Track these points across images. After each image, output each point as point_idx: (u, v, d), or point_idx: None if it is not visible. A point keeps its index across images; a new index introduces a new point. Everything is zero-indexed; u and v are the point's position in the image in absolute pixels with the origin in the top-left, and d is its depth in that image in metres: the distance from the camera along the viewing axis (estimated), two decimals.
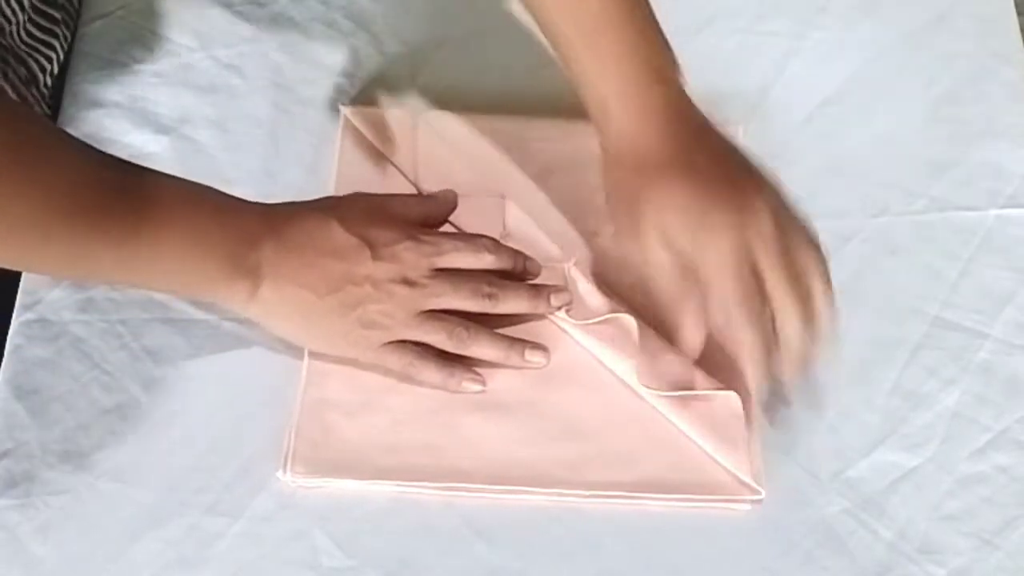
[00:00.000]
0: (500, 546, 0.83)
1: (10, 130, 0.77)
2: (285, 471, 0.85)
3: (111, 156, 0.83)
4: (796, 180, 0.96)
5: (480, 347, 0.87)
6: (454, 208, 0.92)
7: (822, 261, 0.84)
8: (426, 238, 0.87)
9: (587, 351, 0.89)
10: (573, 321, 0.88)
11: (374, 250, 0.85)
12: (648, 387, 0.86)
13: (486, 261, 0.88)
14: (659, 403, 0.86)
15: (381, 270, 0.85)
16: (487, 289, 0.86)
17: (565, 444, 0.86)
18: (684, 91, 0.87)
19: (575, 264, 0.91)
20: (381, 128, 0.97)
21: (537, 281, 0.90)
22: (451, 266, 0.87)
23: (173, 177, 0.84)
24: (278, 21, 1.04)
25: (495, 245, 0.89)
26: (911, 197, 0.95)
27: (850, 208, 0.95)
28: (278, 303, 0.85)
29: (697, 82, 1.00)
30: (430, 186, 0.94)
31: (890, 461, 0.86)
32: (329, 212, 0.86)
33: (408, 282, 0.85)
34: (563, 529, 0.84)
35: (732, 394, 0.85)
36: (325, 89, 1.00)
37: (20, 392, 0.88)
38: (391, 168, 0.97)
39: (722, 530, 0.84)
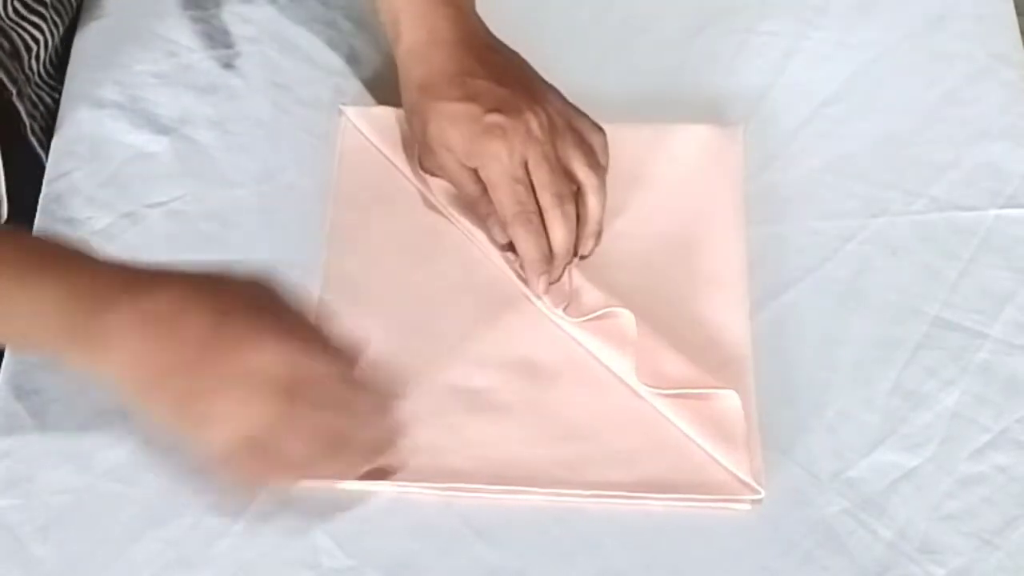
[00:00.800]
0: (500, 546, 0.83)
1: None
2: None
3: None
4: (796, 180, 0.96)
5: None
6: (354, 361, 0.82)
7: (592, 158, 0.90)
8: (293, 344, 0.78)
9: (586, 350, 0.89)
10: (571, 319, 0.89)
11: (225, 344, 0.77)
12: (647, 385, 0.86)
13: (347, 393, 0.80)
14: (658, 402, 0.86)
15: (226, 369, 0.77)
16: (324, 438, 0.79)
17: (565, 444, 0.86)
18: (473, 12, 0.93)
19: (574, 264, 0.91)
20: (381, 128, 0.97)
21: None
22: (311, 388, 0.78)
23: (27, 235, 0.81)
24: (278, 21, 1.04)
25: (354, 392, 0.80)
26: (911, 197, 0.95)
27: (850, 208, 0.95)
28: (120, 379, 0.78)
29: (697, 82, 1.01)
30: (431, 185, 0.94)
31: (890, 461, 0.86)
32: (199, 284, 0.79)
33: (252, 390, 0.77)
34: (563, 529, 0.84)
35: (732, 393, 0.85)
36: (325, 89, 1.00)
37: (20, 392, 0.88)
38: (391, 168, 0.97)
39: (722, 530, 0.84)
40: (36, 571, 0.83)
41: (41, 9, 0.99)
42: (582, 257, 0.91)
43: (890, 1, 1.05)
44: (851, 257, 0.93)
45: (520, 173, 0.88)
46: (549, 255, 0.89)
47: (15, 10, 0.97)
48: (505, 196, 0.88)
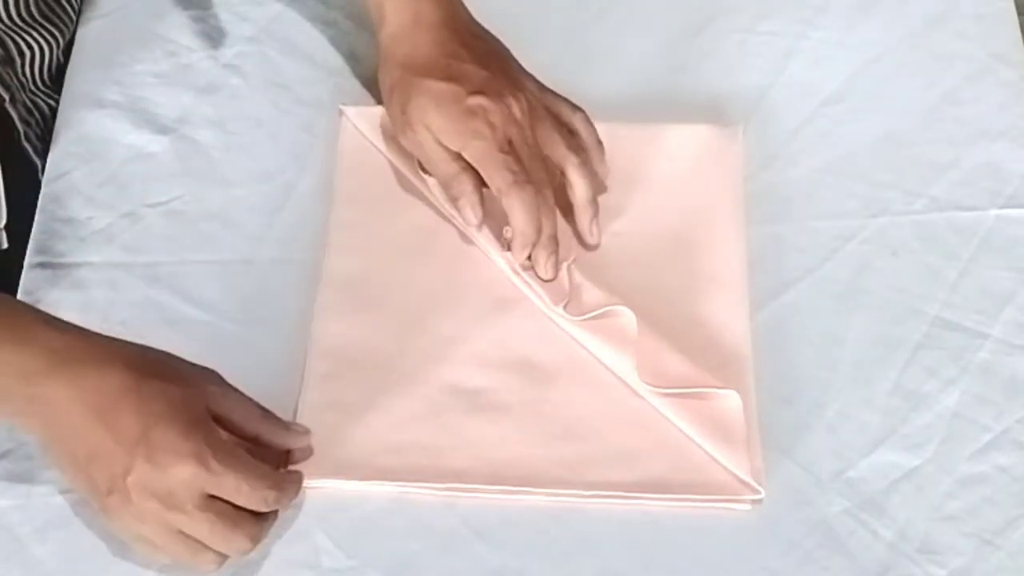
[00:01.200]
0: (500, 546, 0.83)
1: None
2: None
3: None
4: (796, 180, 0.96)
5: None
6: (282, 463, 0.84)
7: (572, 140, 0.91)
8: (215, 465, 0.77)
9: (586, 349, 0.89)
10: (572, 318, 0.89)
11: (150, 451, 0.77)
12: (647, 384, 0.86)
13: (264, 506, 0.80)
14: (658, 401, 0.86)
15: (146, 477, 0.77)
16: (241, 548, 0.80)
17: (565, 444, 0.86)
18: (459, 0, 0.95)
19: (573, 262, 0.91)
20: (381, 128, 0.97)
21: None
22: (226, 499, 0.79)
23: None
24: (278, 21, 1.04)
25: (277, 496, 0.80)
26: (911, 197, 0.95)
27: (850, 208, 0.95)
28: (45, 447, 0.81)
29: (697, 82, 1.01)
30: (431, 184, 0.94)
31: (890, 461, 0.86)
32: (140, 377, 0.79)
33: (168, 505, 0.77)
34: (563, 529, 0.84)
35: (732, 392, 0.85)
36: (325, 89, 1.01)
37: None
38: (391, 168, 0.97)
39: (722, 530, 0.84)
40: (36, 571, 0.82)
41: (34, 22, 0.99)
42: (591, 248, 0.92)
43: (890, 1, 1.05)
44: (851, 257, 0.93)
45: (507, 147, 0.89)
46: (540, 229, 0.89)
47: (9, 16, 0.97)
48: (496, 169, 0.88)
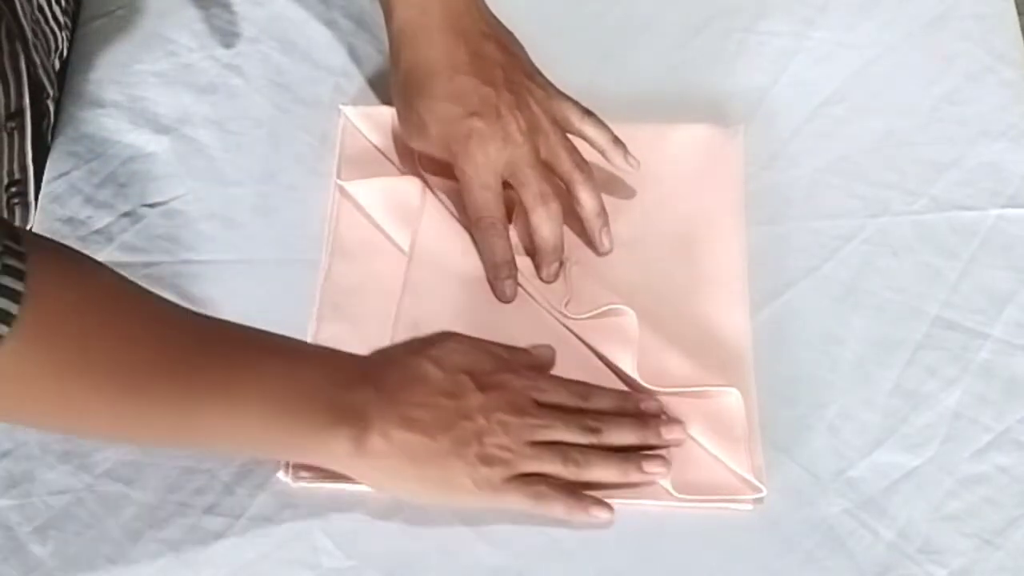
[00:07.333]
0: (500, 546, 0.83)
1: (93, 286, 0.75)
2: (286, 473, 0.85)
3: (190, 310, 0.81)
4: (796, 180, 0.96)
5: (594, 470, 0.83)
6: (550, 365, 0.88)
7: (577, 155, 0.91)
8: (523, 370, 0.85)
9: (588, 347, 0.89)
10: (573, 316, 0.88)
11: (477, 381, 0.82)
12: (648, 384, 0.86)
13: (583, 403, 0.85)
14: (660, 400, 0.86)
15: (491, 401, 0.82)
16: (592, 424, 0.84)
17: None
18: None
19: (575, 263, 0.91)
20: (381, 128, 0.97)
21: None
22: (549, 401, 0.84)
23: (257, 329, 0.80)
24: (278, 21, 1.04)
25: (588, 389, 0.86)
26: (911, 197, 0.95)
27: (850, 208, 0.95)
28: (387, 454, 0.80)
29: (697, 82, 1.01)
30: (431, 184, 0.94)
31: (890, 461, 0.86)
32: (420, 353, 0.84)
33: (518, 411, 0.82)
34: (563, 529, 0.84)
35: (734, 391, 0.85)
36: (325, 89, 1.00)
37: None
38: (391, 168, 0.97)
39: (722, 530, 0.84)
40: (36, 571, 0.83)
41: (61, 16, 0.99)
42: (603, 254, 0.92)
43: (890, 1, 1.05)
44: (851, 257, 0.93)
45: (490, 180, 0.89)
46: (511, 261, 0.90)
47: (52, 12, 0.97)
48: (471, 201, 0.90)
